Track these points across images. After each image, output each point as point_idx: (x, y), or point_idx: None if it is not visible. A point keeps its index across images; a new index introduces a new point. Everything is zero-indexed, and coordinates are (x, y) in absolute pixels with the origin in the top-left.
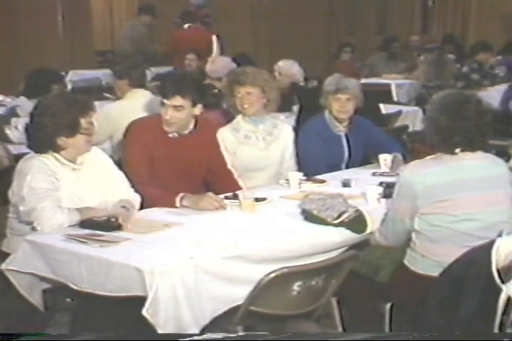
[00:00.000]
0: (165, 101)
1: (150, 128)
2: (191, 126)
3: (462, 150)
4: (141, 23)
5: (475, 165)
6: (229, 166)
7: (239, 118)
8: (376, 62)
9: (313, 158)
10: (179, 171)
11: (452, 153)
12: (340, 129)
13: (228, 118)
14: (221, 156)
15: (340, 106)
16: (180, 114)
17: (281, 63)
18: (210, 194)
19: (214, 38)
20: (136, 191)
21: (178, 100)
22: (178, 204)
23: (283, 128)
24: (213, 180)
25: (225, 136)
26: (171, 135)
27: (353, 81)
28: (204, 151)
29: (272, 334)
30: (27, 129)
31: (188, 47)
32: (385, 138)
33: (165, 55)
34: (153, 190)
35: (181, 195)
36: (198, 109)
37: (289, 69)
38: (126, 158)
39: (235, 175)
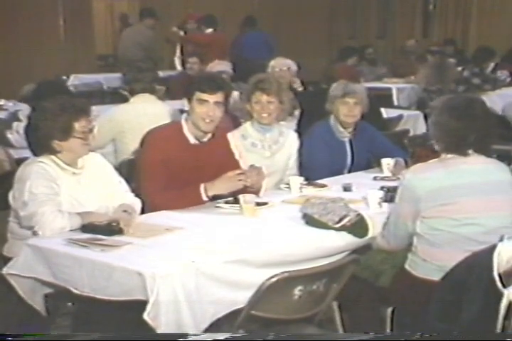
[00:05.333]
0: (206, 97)
1: (170, 137)
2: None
3: (474, 151)
4: (146, 26)
5: (478, 170)
6: None
7: (247, 125)
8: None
9: (317, 164)
10: (195, 180)
11: (465, 154)
12: (345, 135)
13: (236, 123)
14: (237, 164)
15: (348, 111)
16: (220, 110)
17: (273, 62)
18: (229, 173)
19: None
20: (154, 199)
21: (220, 96)
22: (204, 196)
23: (289, 136)
24: None
25: (231, 141)
26: (192, 142)
27: (360, 86)
28: (220, 159)
29: (272, 334)
30: (26, 131)
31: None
32: (388, 145)
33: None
34: (173, 191)
35: (203, 185)
36: (223, 109)
37: (283, 63)
38: (143, 166)
39: None
